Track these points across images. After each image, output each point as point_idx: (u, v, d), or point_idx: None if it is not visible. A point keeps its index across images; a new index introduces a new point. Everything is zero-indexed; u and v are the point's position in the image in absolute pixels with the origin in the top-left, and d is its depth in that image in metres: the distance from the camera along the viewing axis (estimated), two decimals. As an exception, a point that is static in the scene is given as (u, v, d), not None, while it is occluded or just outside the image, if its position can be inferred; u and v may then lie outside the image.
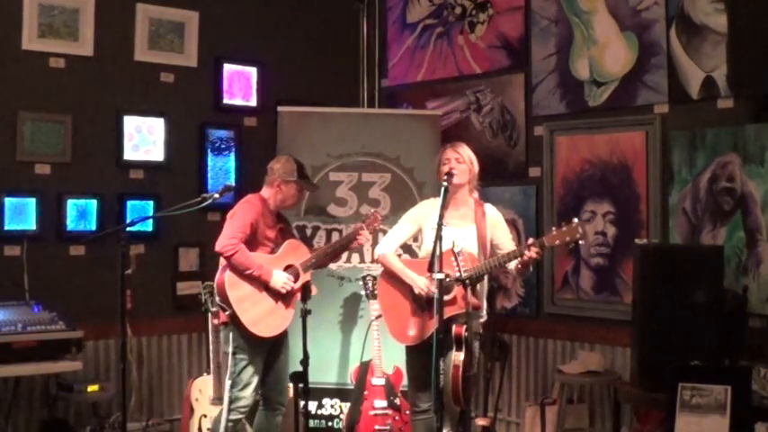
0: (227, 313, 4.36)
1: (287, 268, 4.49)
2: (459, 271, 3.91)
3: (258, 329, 4.38)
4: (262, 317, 4.40)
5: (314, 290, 4.56)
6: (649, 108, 4.99)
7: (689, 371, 3.92)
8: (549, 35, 5.46)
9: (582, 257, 5.27)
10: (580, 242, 4.07)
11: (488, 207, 4.36)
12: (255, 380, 4.45)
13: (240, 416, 4.43)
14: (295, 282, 4.48)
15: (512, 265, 4.15)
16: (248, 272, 4.36)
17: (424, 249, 4.31)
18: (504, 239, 4.32)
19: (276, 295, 4.44)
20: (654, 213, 4.95)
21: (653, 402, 4.31)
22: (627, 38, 5.08)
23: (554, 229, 4.02)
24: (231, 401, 4.40)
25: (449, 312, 4.04)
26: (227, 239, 4.35)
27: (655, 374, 4.16)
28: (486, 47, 5.82)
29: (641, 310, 4.40)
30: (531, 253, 3.95)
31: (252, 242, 4.45)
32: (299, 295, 4.52)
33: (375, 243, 5.47)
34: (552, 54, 5.44)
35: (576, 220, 3.97)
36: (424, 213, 4.35)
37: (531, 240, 4.02)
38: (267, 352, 4.52)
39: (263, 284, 4.41)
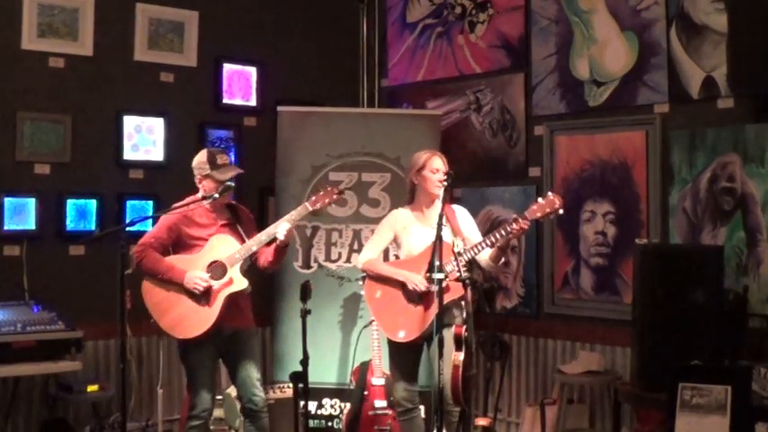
0: (151, 321, 4.27)
1: (211, 265, 4.29)
2: (460, 271, 3.95)
3: (178, 332, 4.24)
4: (181, 318, 4.24)
5: (245, 285, 4.29)
6: (649, 108, 4.98)
7: (689, 371, 3.92)
8: (549, 35, 5.46)
9: (582, 257, 5.27)
10: (559, 212, 4.18)
11: (456, 207, 4.53)
12: (207, 383, 4.33)
13: (200, 421, 4.32)
14: (221, 277, 4.25)
15: (486, 254, 4.27)
16: (159, 275, 4.24)
17: (405, 251, 4.45)
18: (475, 233, 4.45)
19: (197, 294, 4.23)
20: (654, 213, 4.95)
21: (653, 402, 4.30)
22: (627, 37, 5.08)
23: (533, 204, 4.19)
24: (189, 409, 4.36)
25: (446, 299, 4.09)
26: (136, 247, 4.28)
27: (655, 374, 4.16)
28: (486, 47, 5.81)
29: (641, 310, 4.40)
30: (522, 224, 4.11)
31: (179, 245, 4.33)
32: (230, 290, 4.25)
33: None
34: (552, 54, 5.44)
35: (550, 192, 4.20)
36: (397, 219, 4.51)
37: (514, 216, 4.18)
38: (222, 354, 4.38)
39: (179, 286, 4.25)
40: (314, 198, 4.37)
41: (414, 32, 6.23)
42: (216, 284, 4.25)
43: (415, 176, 4.43)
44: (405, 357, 4.38)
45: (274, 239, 4.31)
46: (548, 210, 4.14)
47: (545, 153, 5.47)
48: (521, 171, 5.61)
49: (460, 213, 4.48)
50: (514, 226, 4.11)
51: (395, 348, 4.39)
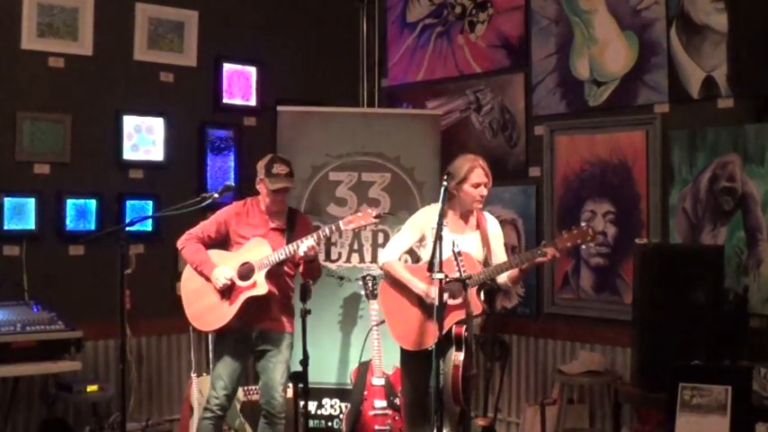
0: None
1: (243, 265, 4.37)
2: (460, 272, 3.92)
3: (198, 323, 4.47)
4: (203, 311, 4.41)
5: (264, 291, 4.34)
6: (649, 108, 4.98)
7: (689, 371, 3.92)
8: (549, 35, 5.45)
9: (582, 257, 5.26)
10: (591, 244, 4.15)
11: (488, 215, 4.43)
12: (223, 378, 4.39)
13: (211, 414, 4.38)
14: (247, 278, 4.33)
15: (504, 276, 4.22)
16: (193, 266, 4.45)
17: (428, 255, 4.25)
18: (500, 249, 4.37)
19: (222, 291, 4.37)
20: (654, 213, 4.95)
21: (653, 402, 4.30)
22: (627, 37, 5.08)
23: (564, 233, 4.09)
24: (207, 399, 4.47)
25: (458, 317, 4.06)
26: (184, 235, 4.51)
27: (655, 374, 4.16)
28: (486, 46, 5.81)
29: (641, 310, 4.40)
30: (554, 252, 4.03)
31: (227, 241, 4.52)
32: (251, 293, 4.33)
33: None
34: (552, 54, 5.44)
35: (584, 223, 4.11)
36: (426, 219, 4.31)
37: (544, 242, 4.12)
38: (251, 353, 4.49)
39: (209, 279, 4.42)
40: (349, 217, 4.38)
41: (414, 32, 6.23)
42: (241, 284, 4.35)
43: (454, 187, 4.20)
44: (416, 365, 4.26)
45: None
46: (579, 240, 4.05)
47: (545, 153, 5.46)
48: (521, 171, 5.61)
49: (491, 224, 4.38)
50: (543, 256, 4.04)
51: (406, 355, 4.32)
